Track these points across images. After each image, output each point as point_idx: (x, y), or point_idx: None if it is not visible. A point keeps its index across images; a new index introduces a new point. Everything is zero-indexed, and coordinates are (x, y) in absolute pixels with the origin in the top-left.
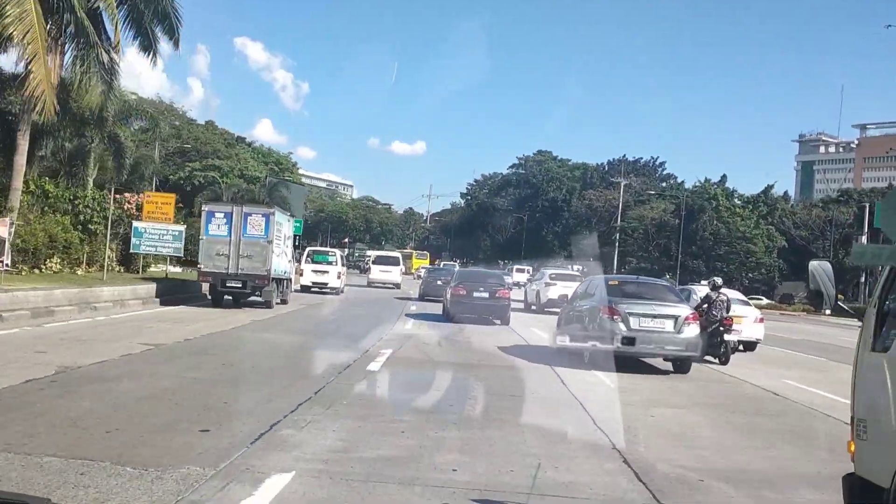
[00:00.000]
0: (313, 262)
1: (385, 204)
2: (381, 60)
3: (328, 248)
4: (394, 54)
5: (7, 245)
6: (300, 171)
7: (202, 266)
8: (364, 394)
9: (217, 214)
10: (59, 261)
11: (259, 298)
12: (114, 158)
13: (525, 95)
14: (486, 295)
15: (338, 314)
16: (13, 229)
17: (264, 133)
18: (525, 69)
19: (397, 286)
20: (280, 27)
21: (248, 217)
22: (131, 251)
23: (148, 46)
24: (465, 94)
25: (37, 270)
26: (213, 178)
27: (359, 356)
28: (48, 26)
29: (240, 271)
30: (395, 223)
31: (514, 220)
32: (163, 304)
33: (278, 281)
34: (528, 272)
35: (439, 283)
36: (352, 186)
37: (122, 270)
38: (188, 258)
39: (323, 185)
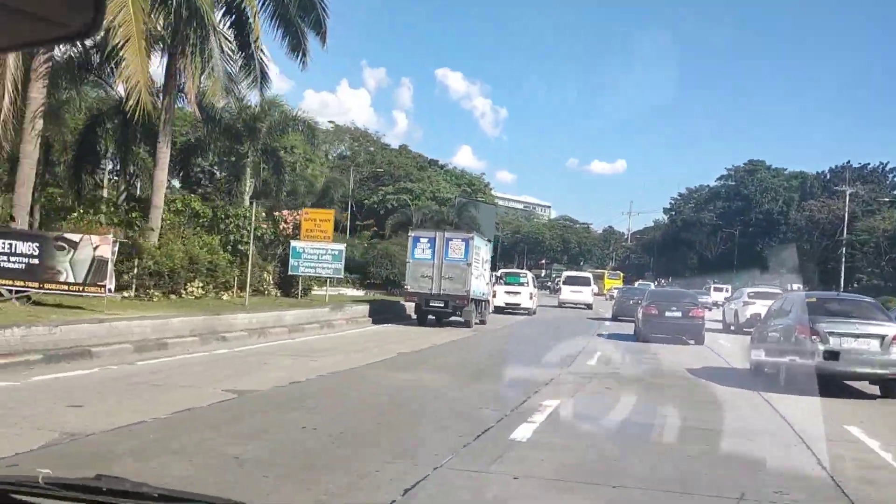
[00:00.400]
0: (506, 283)
1: (583, 223)
2: (578, 80)
3: (520, 270)
4: (589, 73)
5: (110, 267)
6: (495, 194)
7: (408, 287)
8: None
9: (422, 239)
10: (201, 284)
11: (460, 318)
12: (273, 174)
13: (729, 103)
14: (678, 314)
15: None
16: (116, 248)
17: (464, 159)
18: (725, 75)
19: (589, 307)
20: (478, 55)
21: (450, 242)
22: (289, 273)
23: (297, 46)
24: (663, 108)
25: (174, 296)
26: (404, 202)
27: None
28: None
29: (442, 292)
30: (593, 243)
31: (724, 235)
32: (375, 322)
33: (477, 302)
34: (727, 291)
35: (632, 302)
36: (549, 207)
37: (278, 295)
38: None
39: (520, 206)
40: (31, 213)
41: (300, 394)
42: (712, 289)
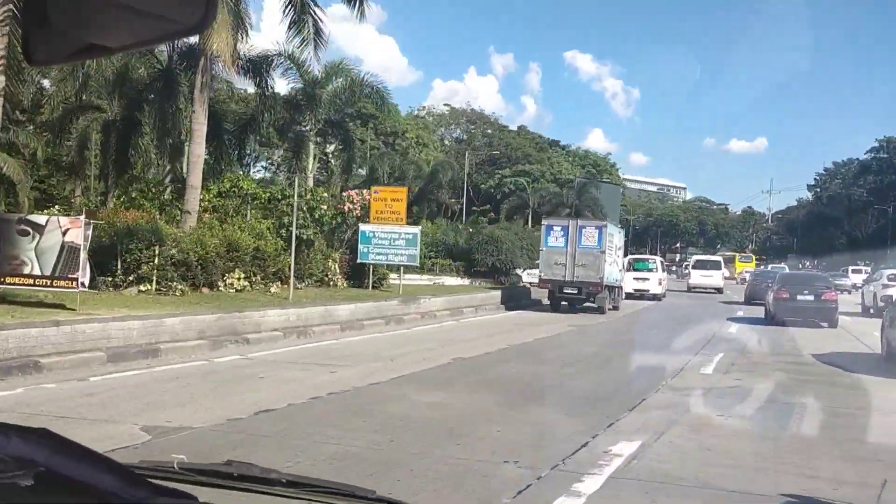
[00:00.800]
0: (634, 269)
1: (720, 204)
2: (712, 57)
3: (648, 256)
4: (723, 49)
5: (83, 256)
6: (627, 177)
7: (542, 274)
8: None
9: (555, 228)
10: (242, 275)
11: (593, 304)
12: (341, 149)
13: (878, 65)
14: (810, 297)
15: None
16: (90, 232)
17: (596, 142)
18: (870, 33)
19: (719, 290)
20: (608, 35)
21: (583, 230)
22: (358, 261)
23: None
24: (803, 77)
25: (207, 290)
26: (522, 185)
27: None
28: None
29: (575, 279)
30: (731, 225)
31: (876, 212)
32: (508, 309)
33: (610, 288)
34: (865, 273)
35: (764, 286)
36: (684, 189)
37: (345, 286)
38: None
39: (653, 189)
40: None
41: (233, 440)
42: (850, 270)
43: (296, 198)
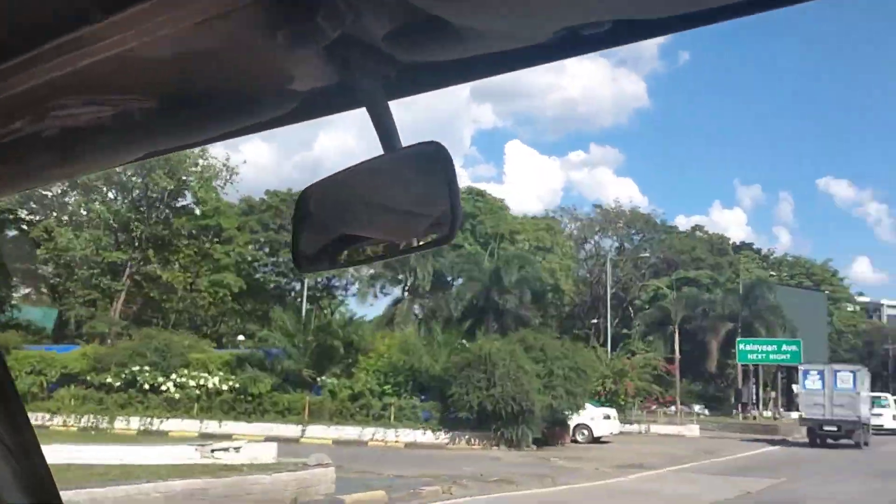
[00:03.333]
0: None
1: None
2: None
3: (881, 394)
4: None
5: None
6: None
7: (803, 413)
8: None
9: (811, 372)
10: None
11: (850, 441)
12: None
13: None
14: None
15: None
16: None
17: (863, 271)
18: None
19: None
20: (863, 157)
21: (838, 374)
22: None
23: None
24: None
25: None
26: (663, 293)
27: None
28: None
29: (834, 417)
30: None
31: None
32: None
33: (865, 426)
34: None
35: None
36: None
37: None
38: None
39: None
40: None
41: None
42: None
43: None
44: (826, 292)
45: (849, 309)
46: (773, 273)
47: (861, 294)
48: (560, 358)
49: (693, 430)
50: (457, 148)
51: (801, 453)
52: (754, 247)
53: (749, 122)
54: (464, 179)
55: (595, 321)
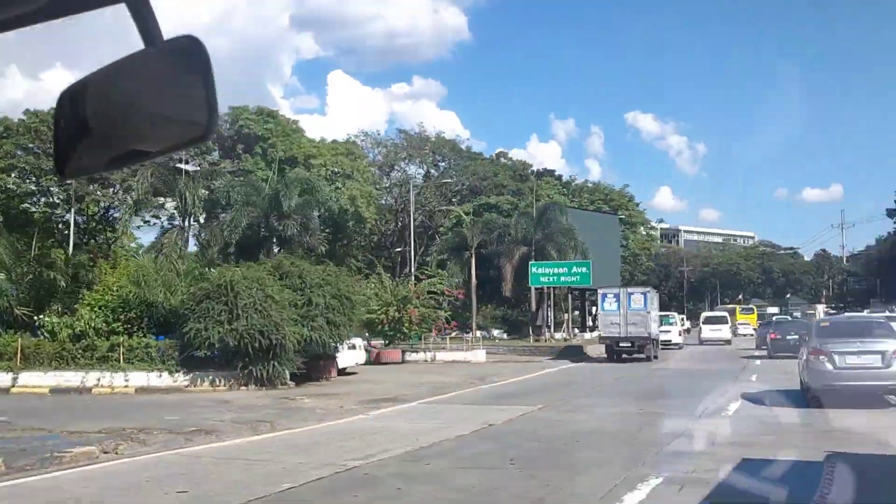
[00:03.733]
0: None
1: (788, 249)
2: (780, 104)
3: (669, 313)
4: (795, 95)
5: None
6: (690, 228)
7: (602, 333)
8: None
9: (608, 295)
10: None
11: (641, 355)
12: None
13: None
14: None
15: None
16: None
17: (664, 201)
18: None
19: (727, 342)
20: (668, 94)
21: (631, 295)
22: None
23: None
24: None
25: None
26: (462, 221)
27: None
28: None
29: (628, 335)
30: (802, 271)
31: None
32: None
33: (654, 341)
34: None
35: (791, 341)
36: (752, 238)
37: None
38: None
39: (718, 239)
40: None
41: None
42: None
43: None
44: (622, 217)
45: (642, 233)
46: (575, 199)
47: (661, 221)
48: (321, 285)
49: (479, 355)
50: (276, 77)
51: (586, 371)
52: (556, 173)
53: (563, 58)
54: (284, 110)
55: (400, 249)
